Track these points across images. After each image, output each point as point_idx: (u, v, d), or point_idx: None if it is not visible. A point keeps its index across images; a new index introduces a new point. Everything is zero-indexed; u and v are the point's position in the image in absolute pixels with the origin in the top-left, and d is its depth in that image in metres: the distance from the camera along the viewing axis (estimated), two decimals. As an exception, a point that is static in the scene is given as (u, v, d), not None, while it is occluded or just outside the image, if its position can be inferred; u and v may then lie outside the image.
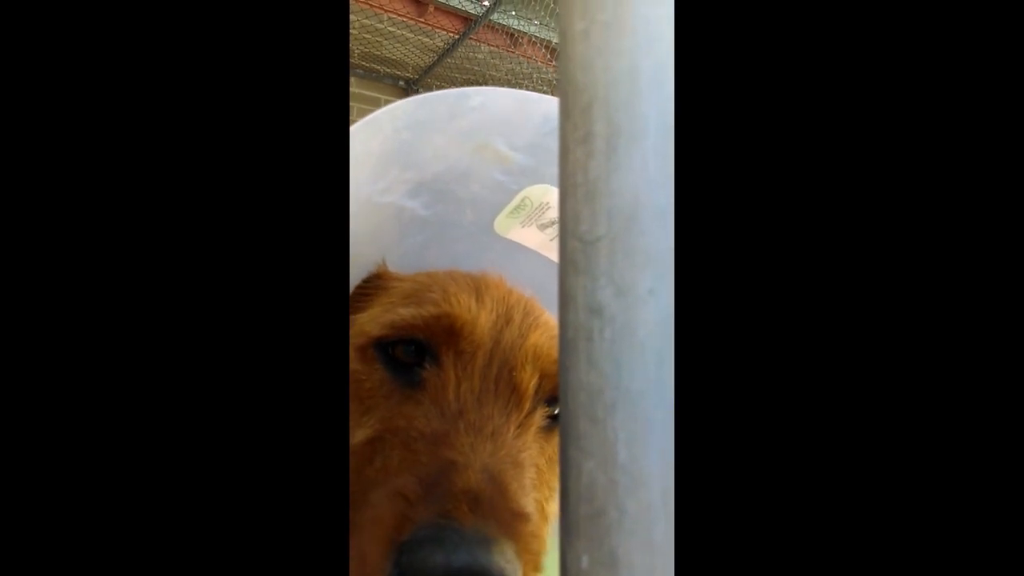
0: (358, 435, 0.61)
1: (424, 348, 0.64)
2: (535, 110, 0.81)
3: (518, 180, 0.86)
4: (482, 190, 0.87)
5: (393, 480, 0.53)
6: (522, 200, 0.85)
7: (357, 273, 0.80)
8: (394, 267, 0.82)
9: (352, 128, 0.71)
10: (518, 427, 0.59)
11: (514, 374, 0.62)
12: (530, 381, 0.62)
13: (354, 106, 3.60)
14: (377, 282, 0.78)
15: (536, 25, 3.45)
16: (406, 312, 0.65)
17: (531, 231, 0.85)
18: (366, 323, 0.69)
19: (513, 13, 3.39)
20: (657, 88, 0.27)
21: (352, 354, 0.67)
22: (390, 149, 0.77)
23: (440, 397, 0.59)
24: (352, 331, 0.70)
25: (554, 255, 0.87)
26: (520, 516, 0.51)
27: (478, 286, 0.69)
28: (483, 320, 0.64)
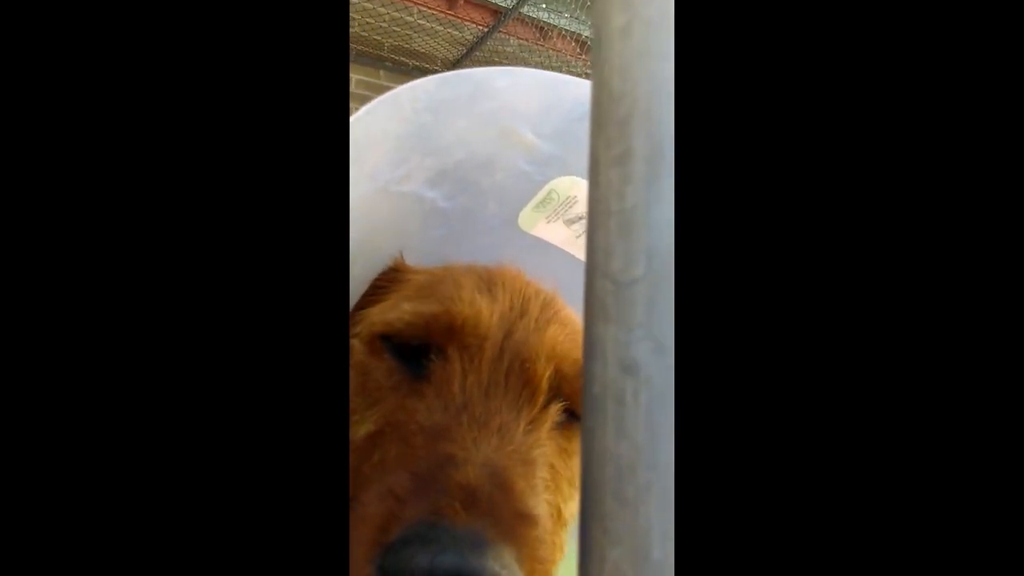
0: (360, 430, 0.57)
1: (428, 343, 0.59)
2: (564, 93, 0.76)
3: (544, 170, 0.81)
4: (506, 180, 0.82)
5: (386, 477, 0.49)
6: (548, 193, 0.80)
7: (374, 265, 0.76)
8: (414, 261, 0.78)
9: (370, 104, 0.67)
10: (530, 423, 0.54)
11: (527, 366, 0.57)
12: (544, 373, 0.57)
13: (383, 99, 3.58)
14: (394, 275, 0.73)
15: (567, 18, 3.42)
16: (408, 308, 0.61)
17: (557, 227, 0.81)
18: (375, 317, 0.65)
19: (543, 6, 3.36)
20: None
21: (360, 347, 0.63)
22: (410, 132, 0.73)
23: (444, 390, 0.55)
24: (363, 324, 0.66)
25: (580, 253, 0.83)
26: (525, 518, 0.46)
27: (491, 279, 0.65)
28: (489, 313, 0.60)
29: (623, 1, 0.24)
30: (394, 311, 0.63)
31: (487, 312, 0.60)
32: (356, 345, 0.64)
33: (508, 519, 0.45)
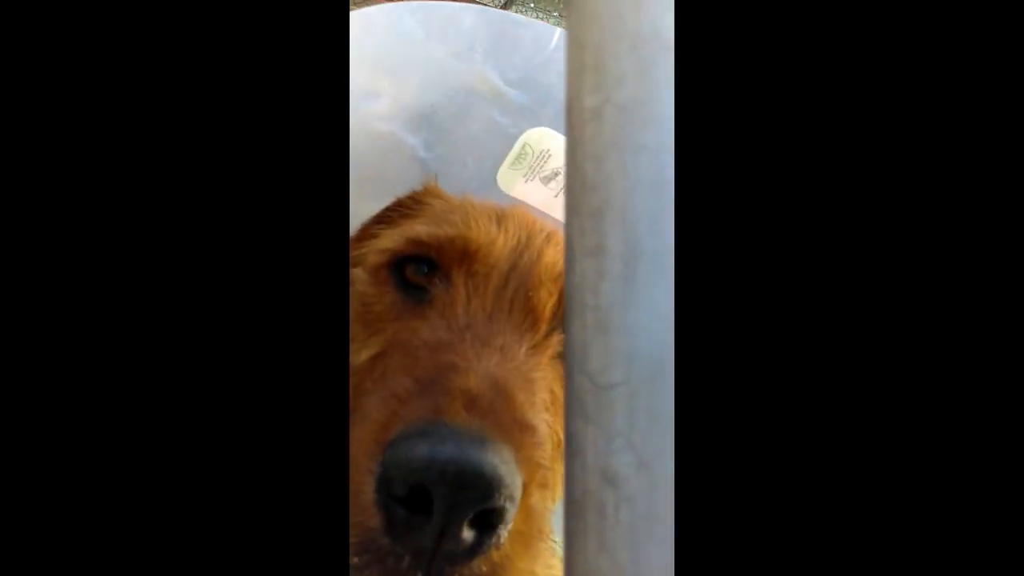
0: (363, 354, 0.58)
1: (436, 267, 0.61)
2: (523, 34, 0.76)
3: (516, 122, 0.80)
4: (481, 132, 0.81)
5: (388, 383, 0.50)
6: (522, 148, 0.79)
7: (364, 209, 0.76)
8: None
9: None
10: (532, 347, 0.55)
11: (530, 295, 0.58)
12: (547, 302, 0.58)
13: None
14: (420, 197, 0.74)
15: (555, 17, 3.37)
16: (423, 230, 0.63)
17: (535, 186, 0.79)
18: (383, 244, 0.66)
19: (532, 5, 3.32)
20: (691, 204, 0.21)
21: (363, 276, 0.64)
22: (382, 55, 0.72)
23: (448, 311, 0.56)
24: (369, 252, 0.67)
25: (560, 214, 0.83)
26: (524, 426, 0.47)
27: (503, 213, 0.66)
28: (500, 244, 0.61)
29: (593, 81, 0.22)
30: (406, 231, 0.64)
31: (500, 243, 0.61)
32: (359, 274, 0.65)
33: (508, 423, 0.46)
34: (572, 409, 0.24)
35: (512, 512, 0.41)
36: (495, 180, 0.81)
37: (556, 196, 0.79)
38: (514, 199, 0.81)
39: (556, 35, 0.76)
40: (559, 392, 0.56)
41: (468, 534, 0.40)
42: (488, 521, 0.40)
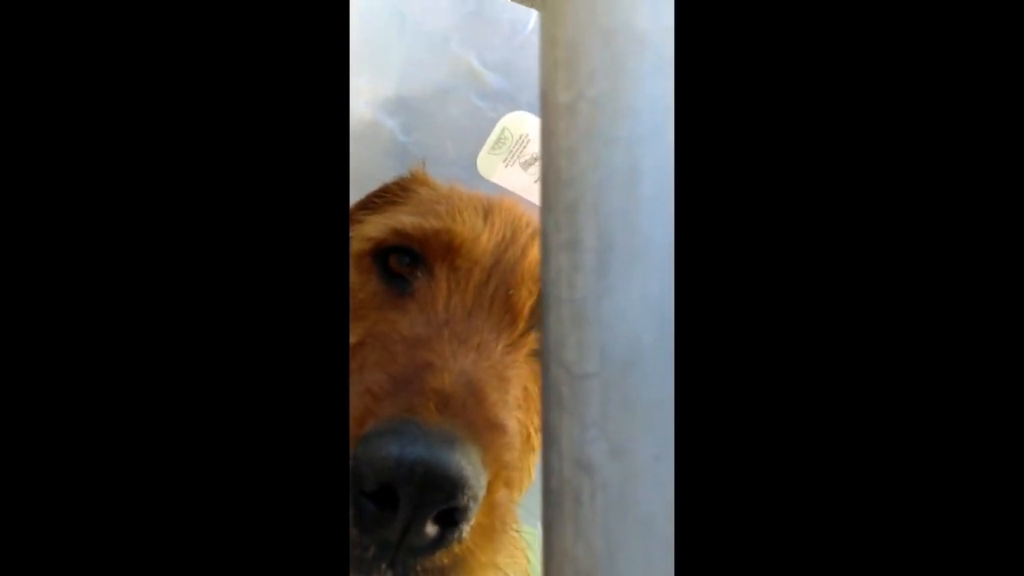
0: None
1: (419, 259, 0.62)
2: (501, 17, 0.76)
3: (495, 106, 0.80)
4: (461, 116, 0.81)
5: (365, 377, 0.51)
6: (501, 132, 0.79)
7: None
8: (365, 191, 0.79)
9: None
10: (508, 345, 0.57)
11: (511, 293, 0.59)
12: (527, 301, 0.59)
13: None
14: (408, 185, 0.74)
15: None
16: (408, 220, 0.63)
17: (514, 171, 0.80)
18: (368, 233, 0.66)
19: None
20: (664, 196, 0.22)
21: (349, 263, 0.64)
22: (357, 37, 0.72)
23: (428, 306, 0.57)
24: (355, 239, 0.68)
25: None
26: (495, 426, 0.49)
27: (490, 206, 0.67)
28: (485, 240, 0.62)
29: (566, 77, 0.22)
30: (391, 221, 0.65)
31: (484, 239, 0.62)
32: None
33: (478, 424, 0.47)
34: (549, 400, 0.24)
35: (475, 509, 0.43)
36: (474, 165, 0.81)
37: (536, 182, 0.80)
38: (494, 184, 0.81)
39: (533, 18, 0.77)
40: (532, 388, 0.58)
41: (432, 529, 0.42)
42: (452, 518, 0.42)
